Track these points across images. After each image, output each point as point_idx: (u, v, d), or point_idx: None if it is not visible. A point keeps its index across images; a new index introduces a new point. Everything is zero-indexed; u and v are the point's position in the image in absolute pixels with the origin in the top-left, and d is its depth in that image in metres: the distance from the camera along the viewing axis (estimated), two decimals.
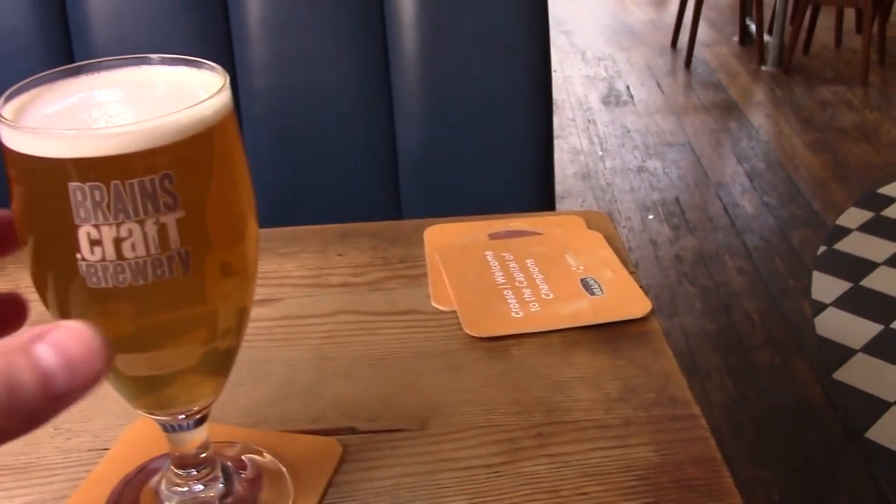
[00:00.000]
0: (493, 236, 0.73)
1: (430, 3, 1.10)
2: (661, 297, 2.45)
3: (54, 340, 0.28)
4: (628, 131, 3.56)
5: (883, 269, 2.46)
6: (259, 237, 0.43)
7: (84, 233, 0.36)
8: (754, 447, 1.91)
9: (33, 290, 0.70)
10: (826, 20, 4.36)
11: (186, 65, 0.42)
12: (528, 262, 0.69)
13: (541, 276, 0.67)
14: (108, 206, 0.36)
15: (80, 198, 0.36)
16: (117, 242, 0.36)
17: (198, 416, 0.45)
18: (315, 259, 0.72)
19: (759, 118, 3.62)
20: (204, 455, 0.47)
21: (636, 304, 0.64)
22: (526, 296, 0.65)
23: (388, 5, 1.09)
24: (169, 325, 0.40)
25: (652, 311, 0.63)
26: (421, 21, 1.10)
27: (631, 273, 0.67)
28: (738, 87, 3.90)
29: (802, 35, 4.05)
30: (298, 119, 1.12)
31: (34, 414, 0.27)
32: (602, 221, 0.76)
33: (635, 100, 3.85)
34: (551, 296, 0.64)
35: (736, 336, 2.29)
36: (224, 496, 0.48)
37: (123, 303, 0.38)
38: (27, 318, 0.39)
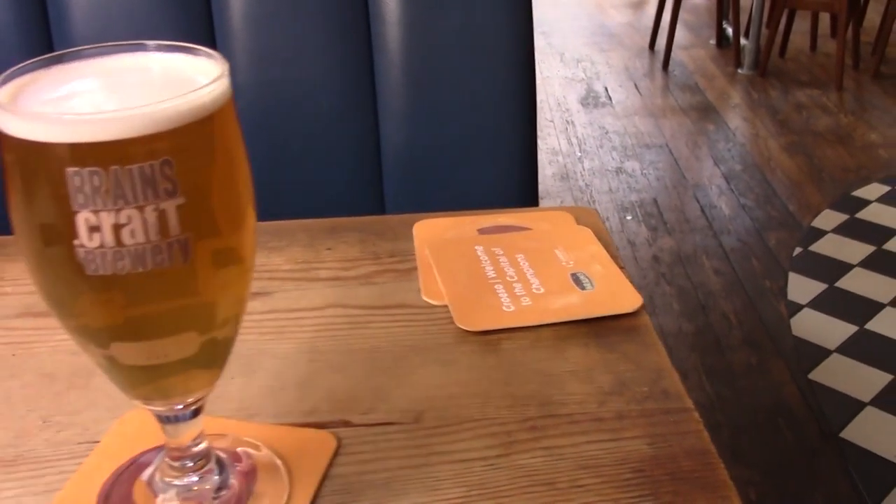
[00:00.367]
0: (482, 231, 0.73)
1: (415, 0, 1.09)
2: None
3: None
4: (606, 132, 3.58)
5: (858, 271, 2.49)
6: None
7: (82, 219, 0.36)
8: (731, 447, 1.93)
9: (18, 281, 0.69)
10: (801, 24, 4.40)
11: (182, 52, 0.41)
12: (519, 256, 0.69)
13: (531, 270, 0.67)
14: (107, 191, 0.35)
15: (78, 183, 0.35)
16: (116, 229, 0.36)
17: (194, 407, 0.45)
18: (303, 253, 0.71)
19: (736, 120, 3.65)
20: (199, 447, 0.47)
21: (627, 298, 0.64)
22: (517, 290, 0.65)
23: (372, 2, 1.09)
24: (168, 313, 0.39)
25: (642, 307, 0.63)
26: (405, 18, 1.10)
27: (621, 268, 0.68)
28: (715, 90, 3.93)
29: (778, 39, 4.09)
30: (281, 115, 1.12)
31: None
32: (590, 217, 0.76)
33: (613, 101, 3.87)
34: (542, 290, 0.65)
35: (713, 336, 2.31)
36: (219, 488, 0.47)
37: (122, 290, 0.37)
38: None
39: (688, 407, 0.54)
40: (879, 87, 3.88)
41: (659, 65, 4.22)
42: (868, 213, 2.82)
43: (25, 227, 0.38)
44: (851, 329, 2.22)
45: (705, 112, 3.73)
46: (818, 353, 2.17)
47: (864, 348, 2.13)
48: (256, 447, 0.51)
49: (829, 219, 2.83)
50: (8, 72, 0.39)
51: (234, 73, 1.20)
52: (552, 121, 3.72)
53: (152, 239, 0.36)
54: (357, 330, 0.62)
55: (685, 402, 0.54)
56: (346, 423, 0.54)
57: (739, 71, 4.05)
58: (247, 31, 1.09)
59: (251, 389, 0.56)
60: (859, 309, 2.30)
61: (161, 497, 0.47)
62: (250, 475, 0.49)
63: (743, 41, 4.07)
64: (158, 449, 0.51)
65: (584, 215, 0.76)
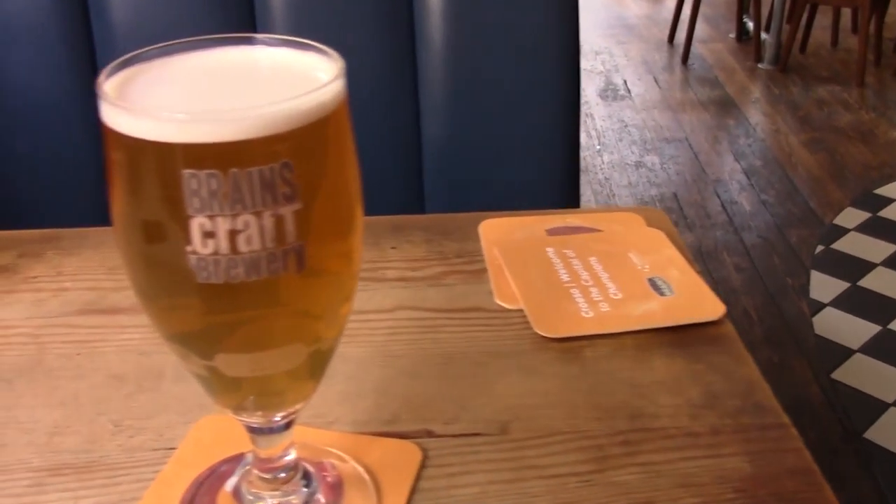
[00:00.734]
0: (551, 232, 0.71)
1: None
2: None
3: None
4: (626, 126, 3.55)
5: (881, 270, 2.46)
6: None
7: (197, 224, 0.34)
8: None
9: (77, 276, 0.67)
10: (823, 19, 4.36)
11: (290, 46, 0.39)
12: (592, 259, 0.66)
13: (606, 274, 0.65)
14: (224, 195, 0.33)
15: (194, 186, 0.33)
16: (232, 235, 0.34)
17: (289, 419, 0.43)
18: (368, 252, 0.69)
19: (756, 116, 3.62)
20: (288, 458, 0.45)
21: (709, 305, 0.62)
22: (594, 295, 0.62)
23: None
24: (278, 324, 0.37)
25: (725, 314, 0.61)
26: (450, 10, 1.07)
27: (698, 273, 0.65)
28: (735, 84, 3.89)
29: (799, 34, 4.05)
30: None
31: None
32: (660, 219, 0.74)
33: (632, 94, 3.84)
34: (620, 295, 0.62)
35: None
36: (306, 502, 0.45)
37: (233, 300, 0.35)
38: None
39: (784, 423, 0.52)
40: None
41: (678, 58, 4.18)
42: (891, 212, 2.80)
43: (130, 229, 0.36)
44: (875, 329, 2.20)
45: (725, 107, 3.70)
46: (841, 353, 2.15)
47: (888, 348, 2.11)
48: (341, 458, 0.49)
49: (851, 216, 2.80)
50: (112, 64, 0.36)
51: None
52: None
53: (268, 246, 0.34)
54: (430, 334, 0.60)
55: (781, 418, 0.52)
56: (430, 434, 0.51)
57: (759, 66, 4.02)
58: (288, 20, 1.07)
59: (328, 395, 0.54)
60: (883, 308, 2.28)
61: None
62: (337, 488, 0.47)
63: (763, 35, 4.03)
64: (238, 457, 0.49)
65: (654, 217, 0.74)
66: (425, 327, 0.61)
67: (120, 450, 0.50)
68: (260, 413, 0.41)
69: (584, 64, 4.20)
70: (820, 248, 2.65)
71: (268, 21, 1.05)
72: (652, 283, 0.64)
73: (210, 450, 0.50)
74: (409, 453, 0.50)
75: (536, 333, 0.59)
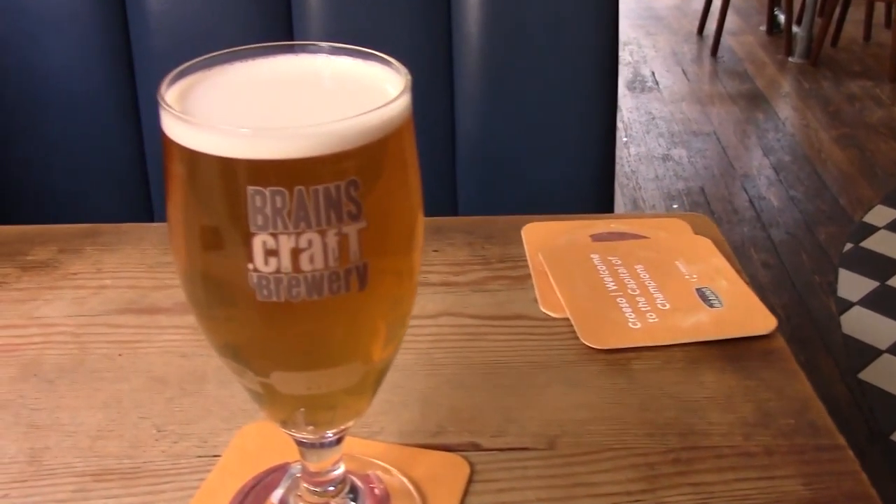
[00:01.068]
0: (595, 237, 0.70)
1: None
2: None
3: None
4: (653, 118, 3.52)
5: None
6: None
7: (260, 241, 0.33)
8: None
9: (118, 274, 0.67)
10: (856, 13, 4.29)
11: (354, 56, 0.38)
12: (638, 267, 0.65)
13: (653, 283, 0.63)
14: (288, 213, 0.32)
15: (258, 203, 0.32)
16: (295, 254, 0.33)
17: (341, 435, 0.42)
18: None
19: (786, 110, 3.57)
20: (337, 472, 0.44)
21: (760, 319, 0.60)
22: (641, 305, 0.61)
23: None
24: (336, 342, 0.36)
25: (776, 328, 0.60)
26: (487, 4, 1.06)
27: (747, 284, 0.64)
28: (765, 78, 3.85)
29: (831, 27, 3.99)
30: None
31: None
32: (707, 226, 0.72)
33: (660, 86, 3.80)
34: (668, 306, 0.61)
35: None
36: None
37: (293, 319, 0.34)
38: None
39: (841, 444, 0.51)
40: None
41: (707, 50, 4.14)
42: None
43: (189, 242, 0.35)
44: None
45: (754, 100, 3.66)
46: (869, 353, 2.12)
47: None
48: (388, 471, 0.48)
49: (881, 214, 2.77)
50: (172, 73, 0.35)
51: None
52: None
53: (331, 265, 0.33)
54: (474, 342, 0.59)
55: (837, 439, 0.51)
56: (476, 447, 0.51)
57: (790, 59, 3.96)
58: (324, 12, 1.06)
59: (372, 404, 0.53)
60: None
61: None
62: (383, 502, 0.46)
63: (795, 29, 3.98)
64: (282, 467, 0.48)
65: (700, 223, 0.72)
66: (469, 335, 0.60)
67: (163, 456, 0.50)
68: (311, 428, 0.40)
69: None
70: (849, 245, 2.62)
71: (304, 10, 1.04)
72: (700, 293, 0.62)
73: (254, 458, 0.49)
74: (456, 467, 0.49)
75: (583, 344, 0.58)
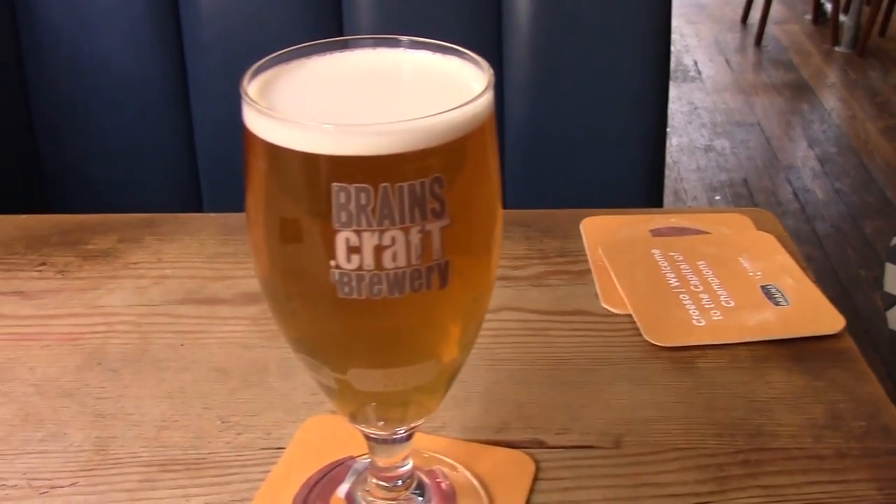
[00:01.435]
0: (654, 232, 0.69)
1: None
2: None
3: None
4: (696, 108, 3.47)
5: None
6: None
7: (343, 238, 0.32)
8: None
9: (178, 263, 0.67)
10: None
11: (434, 50, 0.37)
12: (700, 264, 0.64)
13: (716, 280, 0.62)
14: (373, 210, 0.32)
15: (343, 200, 0.32)
16: (378, 251, 0.32)
17: (412, 431, 0.42)
18: None
19: (832, 101, 3.51)
20: (406, 467, 0.44)
21: (827, 318, 0.59)
22: (704, 302, 0.60)
23: None
24: (415, 341, 0.36)
25: (845, 328, 0.59)
26: None
27: (813, 282, 0.63)
28: (811, 68, 3.78)
29: (879, 16, 3.91)
30: None
31: None
32: (770, 222, 0.71)
33: (703, 76, 3.75)
34: (732, 304, 0.60)
35: None
36: None
37: (373, 316, 0.34)
38: None
39: None
40: None
41: (751, 39, 4.07)
42: None
43: (270, 237, 0.35)
44: None
45: (799, 91, 3.60)
46: None
47: None
48: (453, 467, 0.48)
49: None
50: (253, 67, 0.35)
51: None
52: None
53: (413, 263, 0.33)
54: (536, 337, 0.59)
55: None
56: (541, 444, 0.50)
57: (836, 49, 3.89)
58: (374, 1, 1.06)
59: None
60: None
61: None
62: (450, 498, 0.46)
63: (842, 18, 3.90)
64: (347, 461, 0.48)
65: (763, 219, 0.71)
66: (531, 330, 0.60)
67: (228, 447, 0.50)
68: (382, 424, 0.40)
69: None
70: (895, 240, 2.57)
71: (352, 3, 1.04)
72: (765, 291, 0.61)
73: (319, 451, 0.49)
74: (522, 464, 0.48)
75: (646, 341, 0.58)
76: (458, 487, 0.47)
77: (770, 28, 4.11)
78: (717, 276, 0.63)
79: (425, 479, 0.46)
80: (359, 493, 0.45)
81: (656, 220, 0.70)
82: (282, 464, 0.49)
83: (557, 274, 0.65)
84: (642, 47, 1.10)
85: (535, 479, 0.48)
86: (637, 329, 0.59)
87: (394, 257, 0.33)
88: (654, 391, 0.54)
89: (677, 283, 0.62)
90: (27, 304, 0.62)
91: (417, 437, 0.49)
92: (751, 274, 0.63)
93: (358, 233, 0.32)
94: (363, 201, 0.32)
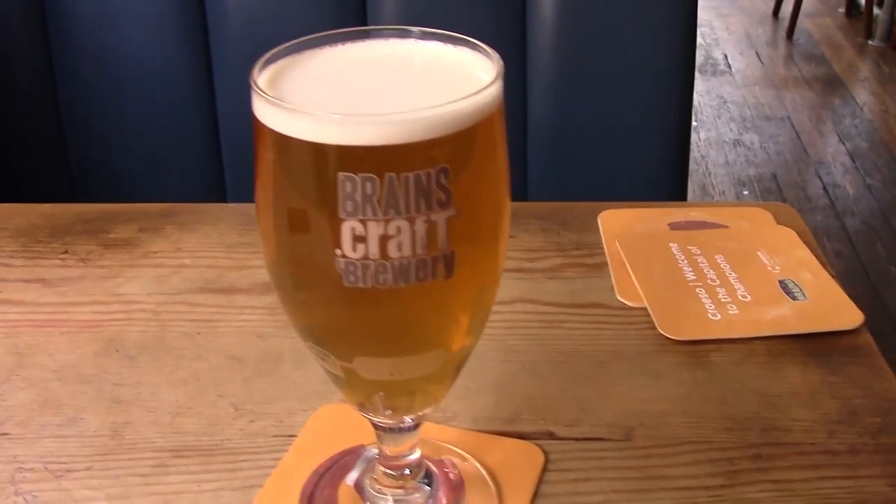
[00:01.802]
0: (673, 226, 0.68)
1: None
2: None
3: None
4: (725, 102, 3.44)
5: None
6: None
7: (349, 227, 0.33)
8: None
9: (197, 253, 0.68)
10: None
11: (444, 41, 0.38)
12: (718, 258, 0.64)
13: (734, 274, 0.62)
14: (378, 200, 0.32)
15: (349, 189, 0.32)
16: (383, 240, 0.33)
17: (419, 421, 0.42)
18: None
19: (864, 95, 3.47)
20: (414, 456, 0.44)
21: (845, 313, 0.59)
22: (721, 296, 0.60)
23: None
24: (420, 330, 0.36)
25: (864, 324, 0.58)
26: None
27: (832, 277, 0.62)
28: (843, 62, 3.74)
29: None
30: None
31: None
32: (790, 216, 0.70)
33: (733, 70, 3.72)
34: (749, 298, 0.60)
35: None
36: (428, 501, 0.45)
37: (378, 305, 0.34)
38: None
39: None
40: None
41: (783, 33, 4.03)
42: None
43: (278, 225, 0.35)
44: None
45: (831, 85, 3.56)
46: None
47: None
48: (462, 457, 0.48)
49: None
50: (264, 57, 0.36)
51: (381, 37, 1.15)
52: None
53: (418, 252, 0.33)
54: (550, 329, 0.59)
55: None
56: (551, 436, 0.50)
57: (870, 42, 3.84)
58: None
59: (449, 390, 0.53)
60: None
61: None
62: (458, 488, 0.46)
63: (875, 11, 3.85)
64: (357, 449, 0.49)
65: (784, 213, 0.71)
66: (545, 322, 0.60)
67: (241, 434, 0.51)
68: (390, 413, 0.41)
69: None
70: None
71: None
72: (783, 285, 0.61)
73: (330, 440, 0.50)
74: (531, 455, 0.48)
75: (660, 334, 0.57)
76: (466, 477, 0.47)
77: (802, 21, 4.07)
78: (734, 271, 0.62)
79: (433, 469, 0.46)
80: (367, 482, 0.45)
81: (675, 213, 0.70)
82: (292, 452, 0.49)
83: (573, 266, 0.65)
84: (667, 41, 1.09)
85: (545, 470, 0.48)
86: (652, 322, 0.58)
87: (399, 247, 0.33)
88: (667, 385, 0.54)
89: (694, 277, 0.62)
90: (49, 291, 0.63)
91: (427, 427, 0.50)
92: (769, 268, 0.63)
93: (363, 222, 0.32)
94: (369, 191, 0.32)
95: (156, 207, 0.73)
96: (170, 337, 0.59)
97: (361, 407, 0.41)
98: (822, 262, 0.64)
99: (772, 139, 3.19)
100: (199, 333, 0.59)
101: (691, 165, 3.10)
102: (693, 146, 3.18)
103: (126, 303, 0.62)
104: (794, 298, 0.60)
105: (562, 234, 0.69)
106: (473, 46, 0.37)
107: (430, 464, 0.46)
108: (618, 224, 0.69)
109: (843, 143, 3.13)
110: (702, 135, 3.24)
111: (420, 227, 0.33)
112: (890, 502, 0.46)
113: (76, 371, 0.55)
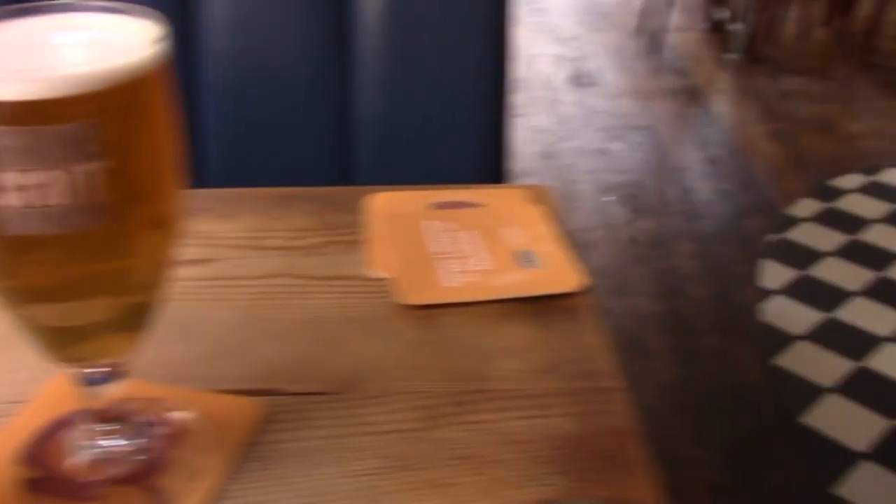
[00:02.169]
0: (437, 206, 0.73)
1: None
2: (614, 278, 2.47)
3: None
4: (593, 112, 3.57)
5: (829, 259, 2.50)
6: (188, 194, 0.43)
7: (7, 178, 0.36)
8: (695, 428, 1.95)
9: None
10: (794, 11, 4.39)
11: (109, 12, 0.41)
12: (469, 232, 0.69)
13: (479, 247, 0.67)
14: (30, 151, 0.35)
15: (5, 142, 0.35)
16: (41, 189, 0.36)
17: (113, 371, 0.45)
18: (255, 221, 0.71)
19: (722, 106, 3.65)
20: (120, 410, 0.47)
21: (570, 278, 0.64)
22: (462, 266, 0.65)
23: None
24: (85, 276, 0.39)
25: (589, 286, 0.64)
26: None
27: (570, 248, 0.68)
28: (704, 74, 3.92)
29: (769, 25, 4.07)
30: (255, 81, 1.11)
31: None
32: (547, 196, 0.76)
33: (602, 81, 3.86)
34: (488, 267, 0.65)
35: (684, 319, 2.32)
36: (138, 451, 0.48)
37: (42, 251, 0.38)
38: None
39: (615, 387, 0.55)
40: (867, 77, 3.88)
41: (649, 47, 4.21)
42: (845, 203, 2.83)
43: None
44: (819, 316, 2.24)
45: (693, 96, 3.73)
46: (785, 339, 2.19)
47: (830, 335, 2.15)
48: (179, 411, 0.51)
49: (805, 207, 2.84)
50: None
51: (208, 38, 1.19)
52: (538, 98, 3.70)
53: (76, 201, 0.36)
54: (297, 300, 0.63)
55: (615, 382, 0.55)
56: (275, 392, 0.54)
57: (729, 56, 4.04)
58: None
59: (186, 355, 0.57)
60: (828, 296, 2.32)
61: (76, 457, 0.47)
62: (172, 440, 0.49)
63: (734, 26, 4.05)
64: (83, 411, 0.51)
65: (541, 193, 0.76)
66: (294, 293, 0.63)
67: None
68: (79, 364, 0.43)
69: (556, 50, 4.22)
70: (772, 236, 2.69)
71: None
72: (522, 255, 0.66)
73: (60, 403, 0.52)
74: (246, 409, 0.52)
75: (398, 302, 0.62)
76: (180, 430, 0.50)
77: (668, 35, 4.25)
78: (480, 244, 0.68)
79: (145, 422, 0.49)
80: (80, 438, 0.48)
81: (441, 195, 0.75)
82: (22, 414, 0.52)
83: (335, 244, 0.69)
84: (481, 43, 1.15)
85: (265, 421, 0.52)
86: (392, 292, 0.63)
87: (57, 195, 0.36)
88: (395, 344, 0.58)
89: (440, 250, 0.67)
90: None
91: (153, 387, 0.53)
92: (512, 242, 0.68)
93: (23, 172, 0.36)
94: (20, 143, 0.35)
95: None
96: None
97: (59, 360, 0.44)
98: (563, 236, 0.70)
99: (636, 147, 3.32)
100: None
101: (559, 173, 3.21)
102: (561, 154, 3.30)
103: None
104: (529, 266, 0.65)
105: (331, 216, 0.73)
106: (146, 18, 0.40)
107: (143, 417, 0.49)
108: (385, 205, 0.73)
109: (702, 151, 3.29)
110: (570, 143, 3.35)
111: (76, 176, 0.36)
112: (570, 436, 0.51)
113: None
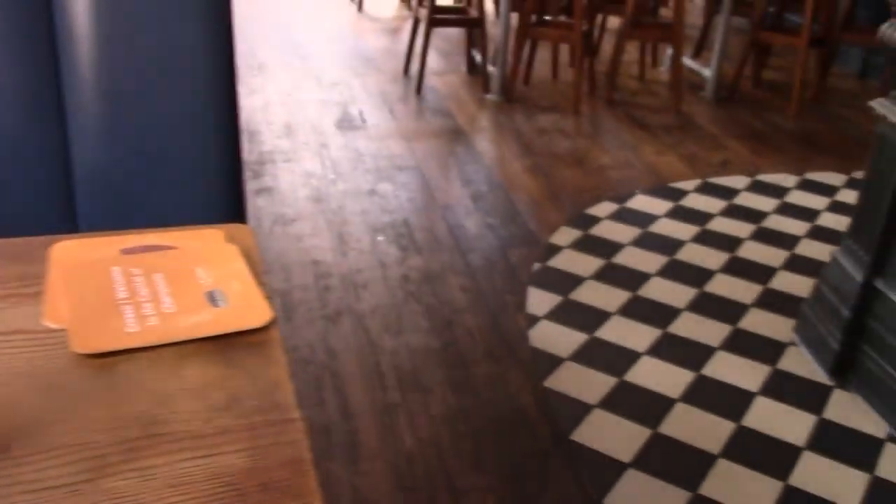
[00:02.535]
0: (125, 251, 0.71)
1: (104, 16, 1.06)
2: (388, 316, 2.50)
3: None
4: (361, 155, 3.62)
5: (589, 283, 2.66)
6: None
7: None
8: (473, 456, 1.99)
9: None
10: (544, 54, 4.68)
11: None
12: (156, 276, 0.67)
13: (167, 290, 0.66)
14: None
15: None
16: None
17: None
18: None
19: (484, 144, 3.81)
20: None
21: (257, 314, 0.64)
22: (146, 310, 0.63)
23: (59, 18, 1.05)
24: None
25: (274, 321, 0.64)
26: (96, 35, 1.06)
27: (261, 284, 0.68)
28: (465, 114, 4.08)
29: (523, 67, 4.31)
30: None
31: None
32: (244, 234, 0.76)
33: (368, 124, 3.93)
34: (174, 309, 0.64)
35: (457, 351, 2.38)
36: None
37: None
38: None
39: (293, 418, 0.55)
40: (611, 112, 4.19)
41: (413, 89, 4.33)
42: (599, 230, 3.03)
43: None
44: (583, 337, 2.36)
45: (456, 135, 3.87)
46: (553, 362, 2.29)
47: (593, 354, 2.27)
48: None
49: (565, 235, 3.01)
50: None
51: None
52: (307, 143, 3.71)
53: None
54: None
55: (291, 413, 0.55)
56: None
57: (488, 97, 4.23)
58: None
59: None
60: (590, 318, 2.45)
61: None
62: None
63: (490, 69, 4.26)
64: None
65: (238, 232, 0.76)
66: None
67: None
68: None
69: (322, 95, 4.26)
70: (537, 265, 2.82)
71: None
72: (210, 295, 0.65)
73: None
74: None
75: (74, 352, 0.59)
76: None
77: (430, 79, 4.40)
78: (168, 287, 0.66)
79: None
80: None
81: (130, 240, 0.73)
82: None
83: (9, 297, 0.65)
84: (206, 85, 1.14)
85: None
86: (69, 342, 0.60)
87: None
88: (64, 397, 0.56)
89: (125, 296, 0.65)
90: None
91: None
92: (202, 282, 0.67)
93: None
94: None
95: None
96: None
97: None
98: (256, 273, 0.69)
99: (404, 187, 3.40)
100: None
101: (329, 216, 3.22)
102: (331, 197, 3.32)
103: None
104: (216, 306, 0.64)
105: (8, 268, 0.69)
106: None
107: None
108: (70, 254, 0.70)
109: (466, 188, 3.41)
110: (339, 186, 3.37)
111: None
112: (239, 471, 0.50)
113: None
